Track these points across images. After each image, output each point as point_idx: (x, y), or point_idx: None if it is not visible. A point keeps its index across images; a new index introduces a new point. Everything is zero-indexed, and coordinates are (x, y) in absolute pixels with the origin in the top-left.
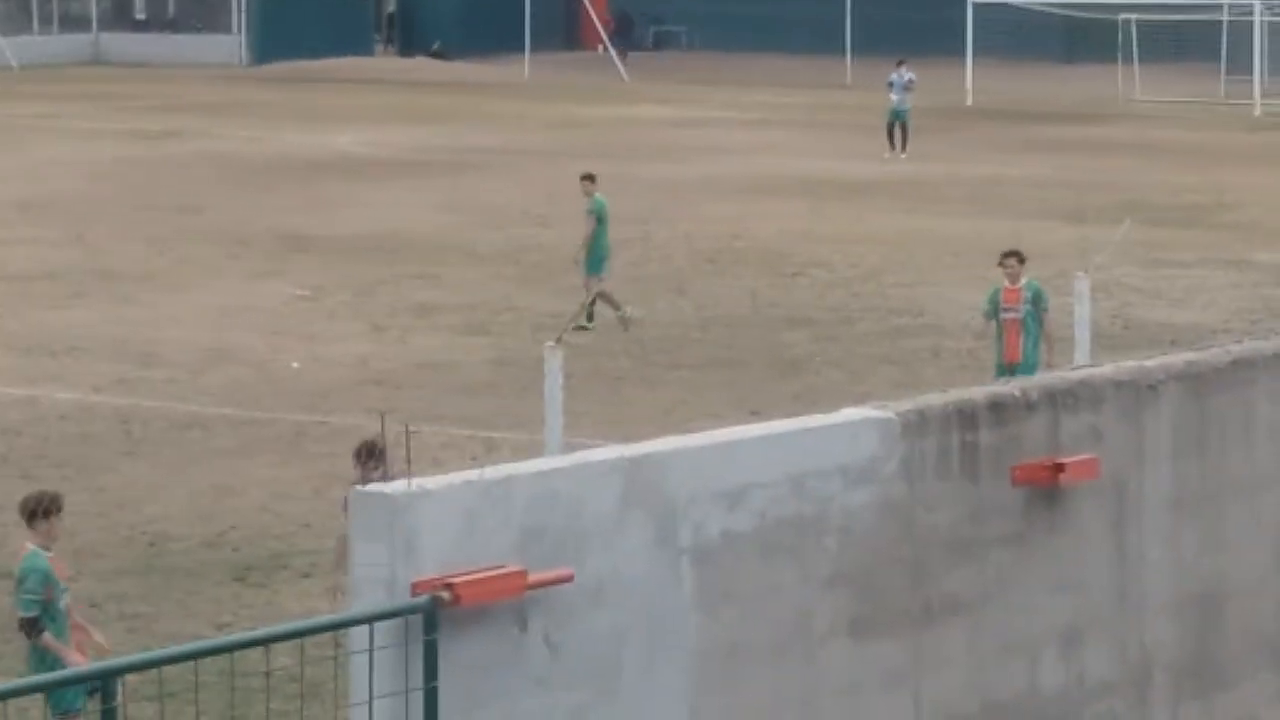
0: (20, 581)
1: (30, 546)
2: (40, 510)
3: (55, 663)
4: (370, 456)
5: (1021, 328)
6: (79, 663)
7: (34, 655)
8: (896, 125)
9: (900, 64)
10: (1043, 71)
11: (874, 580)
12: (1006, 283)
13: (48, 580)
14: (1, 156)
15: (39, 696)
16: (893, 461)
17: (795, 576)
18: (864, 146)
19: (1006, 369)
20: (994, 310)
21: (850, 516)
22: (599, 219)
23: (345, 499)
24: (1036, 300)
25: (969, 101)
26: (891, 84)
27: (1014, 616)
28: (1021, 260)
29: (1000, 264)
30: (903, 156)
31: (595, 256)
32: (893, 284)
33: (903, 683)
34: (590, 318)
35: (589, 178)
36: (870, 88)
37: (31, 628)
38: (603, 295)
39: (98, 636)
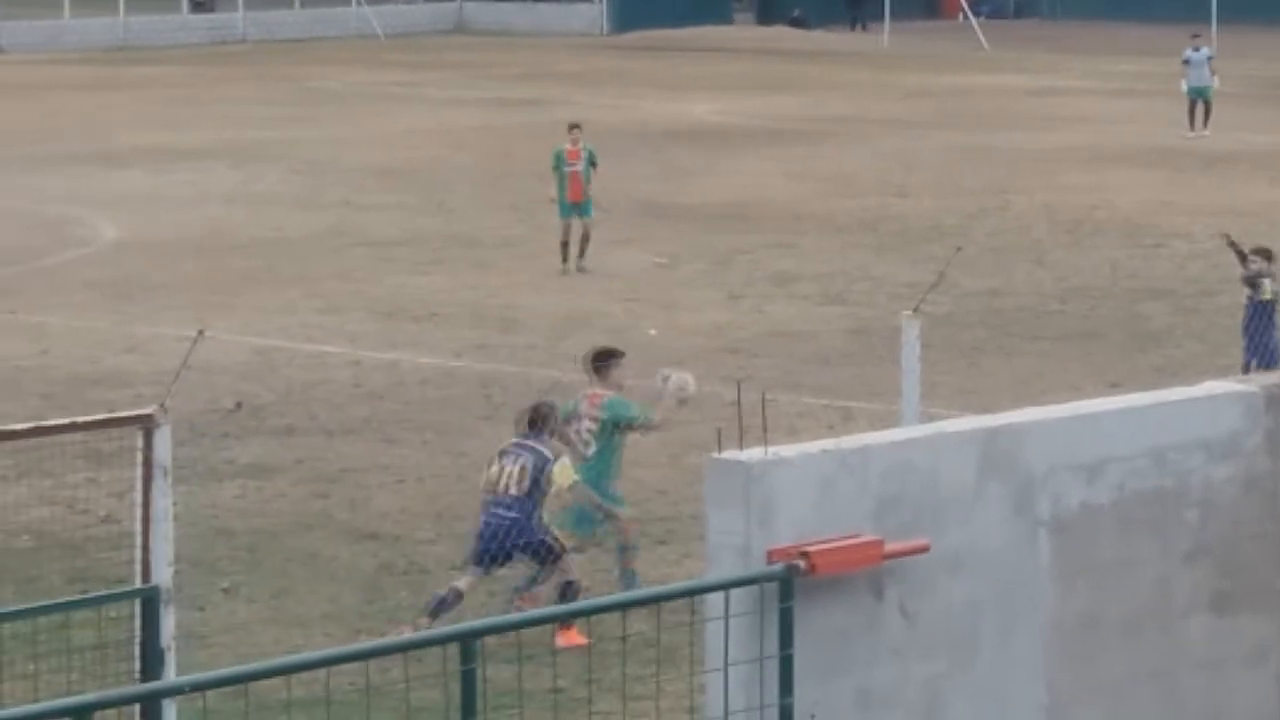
0: (625, 410)
1: (607, 394)
2: (603, 359)
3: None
4: None
5: None
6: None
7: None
8: (1200, 102)
9: (1195, 37)
10: None
11: (1236, 555)
12: None
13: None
14: (364, 124)
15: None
16: (1256, 436)
17: (1154, 550)
18: (1225, 116)
19: None
20: None
21: (1212, 490)
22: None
23: None
24: None
25: None
26: (1188, 60)
27: None
28: None
29: None
30: (1206, 133)
31: (583, 202)
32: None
33: (1265, 660)
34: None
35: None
36: (1234, 56)
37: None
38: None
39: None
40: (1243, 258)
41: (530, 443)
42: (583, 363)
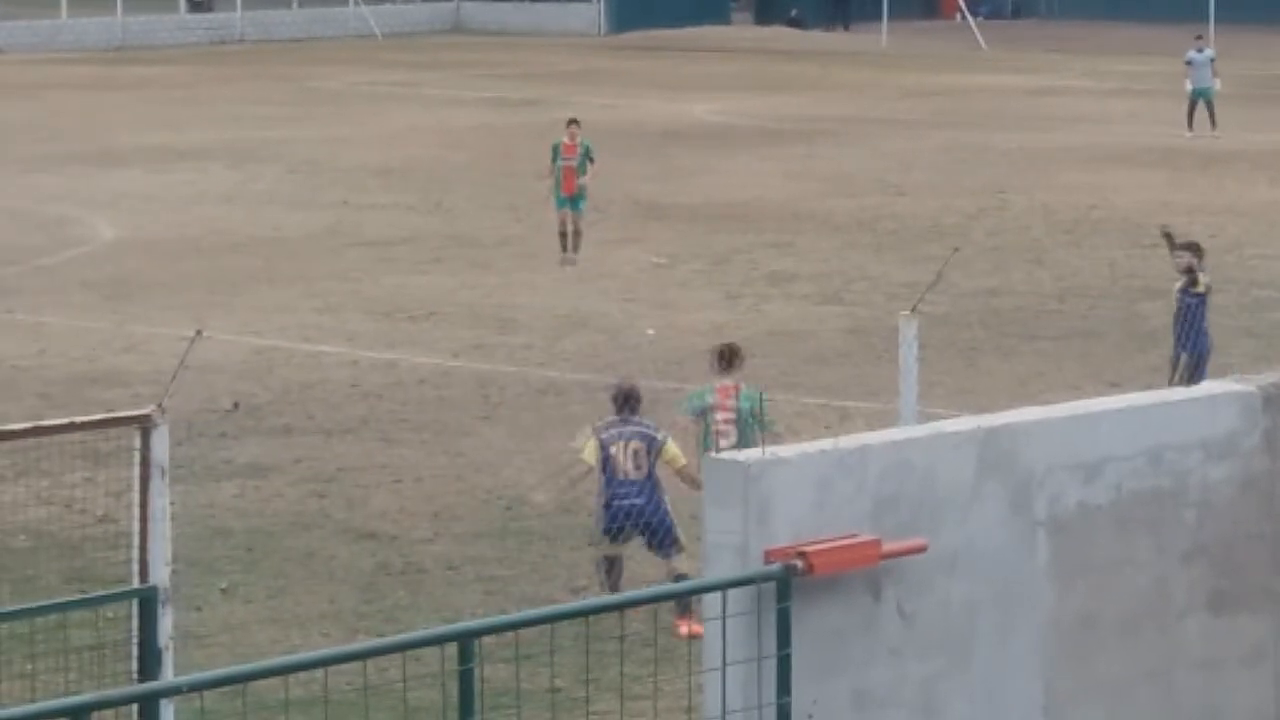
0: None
1: (740, 385)
2: (732, 350)
3: None
4: None
5: None
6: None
7: None
8: (1200, 103)
9: (1199, 38)
10: None
11: (1234, 555)
12: None
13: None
14: (363, 123)
15: None
16: (1254, 435)
17: (1152, 550)
18: (1224, 116)
19: None
20: None
21: (1209, 491)
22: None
23: None
24: None
25: None
26: (1191, 62)
27: None
28: None
29: None
30: (1217, 134)
31: (575, 196)
32: (1254, 255)
33: (1263, 659)
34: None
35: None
36: (1232, 56)
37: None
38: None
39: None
40: (1172, 248)
41: (632, 427)
42: (710, 357)
